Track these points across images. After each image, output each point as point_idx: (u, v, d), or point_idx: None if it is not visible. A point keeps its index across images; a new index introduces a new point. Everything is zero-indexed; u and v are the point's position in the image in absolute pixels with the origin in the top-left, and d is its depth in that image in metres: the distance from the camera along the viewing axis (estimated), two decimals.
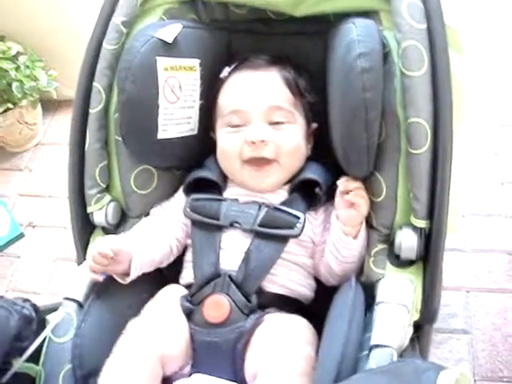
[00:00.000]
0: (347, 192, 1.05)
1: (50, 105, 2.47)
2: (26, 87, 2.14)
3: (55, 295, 1.81)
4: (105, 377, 0.95)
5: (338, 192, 1.07)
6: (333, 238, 1.10)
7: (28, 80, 2.15)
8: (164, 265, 1.19)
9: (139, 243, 1.11)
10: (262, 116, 1.14)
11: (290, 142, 1.15)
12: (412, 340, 1.01)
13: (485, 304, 1.66)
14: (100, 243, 1.05)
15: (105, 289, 1.08)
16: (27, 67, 2.17)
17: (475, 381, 1.49)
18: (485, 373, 1.51)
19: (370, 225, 1.10)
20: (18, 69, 2.15)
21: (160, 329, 1.02)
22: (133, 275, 1.08)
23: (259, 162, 1.14)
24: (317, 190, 1.15)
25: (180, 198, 1.22)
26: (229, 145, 1.16)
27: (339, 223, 1.07)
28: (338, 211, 1.07)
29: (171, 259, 1.20)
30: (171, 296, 1.11)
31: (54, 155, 2.34)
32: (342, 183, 1.06)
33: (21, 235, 2.06)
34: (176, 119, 1.16)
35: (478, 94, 2.15)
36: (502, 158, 2.05)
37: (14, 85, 2.12)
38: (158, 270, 1.19)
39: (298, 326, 1.04)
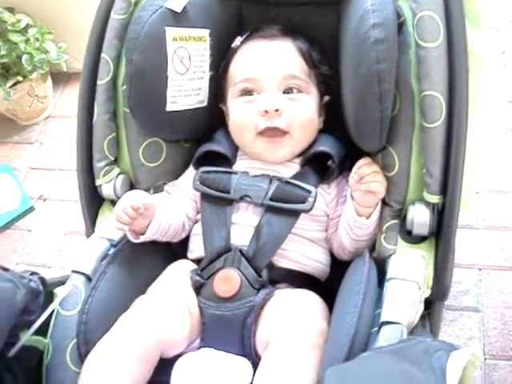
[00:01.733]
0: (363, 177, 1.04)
1: (60, 77, 2.44)
2: (35, 60, 2.12)
3: (66, 268, 1.81)
4: (93, 356, 0.93)
5: (353, 177, 1.05)
6: (346, 216, 1.08)
7: (38, 52, 2.12)
8: (175, 240, 1.18)
9: (160, 207, 1.09)
10: (276, 84, 1.12)
11: (304, 113, 1.13)
12: (423, 317, 1.00)
13: (497, 282, 1.65)
14: (131, 196, 1.04)
15: (114, 263, 1.07)
16: (37, 40, 2.14)
17: (485, 359, 1.49)
18: (495, 351, 1.50)
19: (382, 200, 1.08)
20: (27, 41, 2.12)
21: (165, 311, 1.00)
22: (148, 235, 1.07)
23: (273, 134, 1.12)
24: (329, 162, 1.13)
25: (190, 173, 1.20)
26: (242, 116, 1.14)
27: (354, 203, 1.06)
28: (353, 193, 1.06)
29: (183, 235, 1.19)
30: (180, 271, 1.10)
31: (65, 128, 2.33)
32: (358, 171, 1.04)
33: (31, 208, 2.06)
34: (185, 90, 1.14)
35: (496, 69, 2.12)
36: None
37: (24, 57, 2.09)
38: (168, 246, 1.18)
39: (310, 300, 1.03)
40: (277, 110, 1.09)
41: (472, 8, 0.99)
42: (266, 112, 1.10)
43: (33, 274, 0.98)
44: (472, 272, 1.68)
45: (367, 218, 1.05)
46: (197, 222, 1.18)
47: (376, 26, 0.96)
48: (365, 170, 1.04)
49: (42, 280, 0.98)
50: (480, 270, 1.68)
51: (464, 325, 1.56)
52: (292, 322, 0.96)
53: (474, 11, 0.99)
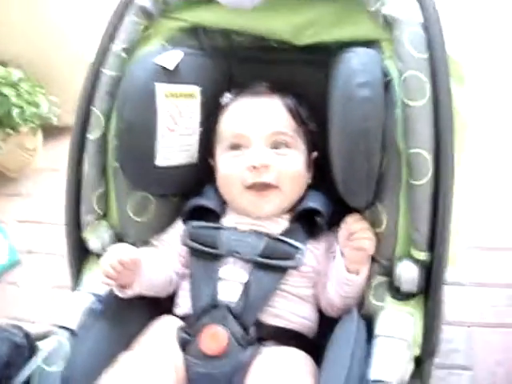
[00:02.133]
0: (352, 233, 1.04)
1: (50, 131, 2.44)
2: (26, 113, 2.14)
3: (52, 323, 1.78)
4: None
5: (342, 233, 1.06)
6: (336, 272, 1.08)
7: (29, 106, 2.15)
8: (162, 295, 1.17)
9: (147, 261, 1.08)
10: (263, 140, 1.13)
11: (292, 167, 1.14)
12: (413, 376, 0.98)
13: (487, 340, 1.63)
14: (118, 250, 1.03)
15: (99, 318, 1.06)
16: (28, 93, 2.17)
17: None
18: None
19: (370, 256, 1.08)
20: (19, 95, 2.15)
21: (150, 368, 0.98)
22: (135, 290, 1.06)
23: (260, 188, 1.12)
24: (318, 219, 1.13)
25: (178, 227, 1.20)
26: (230, 170, 1.15)
27: (344, 260, 1.06)
28: (343, 249, 1.06)
29: (170, 290, 1.17)
30: (166, 327, 1.09)
31: (54, 181, 2.33)
32: (347, 226, 1.05)
33: (18, 262, 2.03)
34: (175, 147, 1.16)
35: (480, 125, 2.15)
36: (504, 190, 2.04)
37: (15, 111, 2.12)
38: (154, 301, 1.16)
39: (298, 359, 1.02)
40: (265, 166, 1.11)
41: (455, 67, 1.00)
42: (254, 167, 1.10)
43: (17, 327, 0.96)
44: (462, 330, 1.66)
45: (357, 275, 1.05)
46: (184, 277, 1.17)
47: (363, 85, 0.97)
48: (354, 226, 1.04)
49: (26, 334, 0.96)
50: (470, 327, 1.66)
51: (454, 383, 1.53)
52: (280, 381, 0.95)
53: (457, 70, 1.01)
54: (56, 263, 1.99)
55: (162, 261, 1.15)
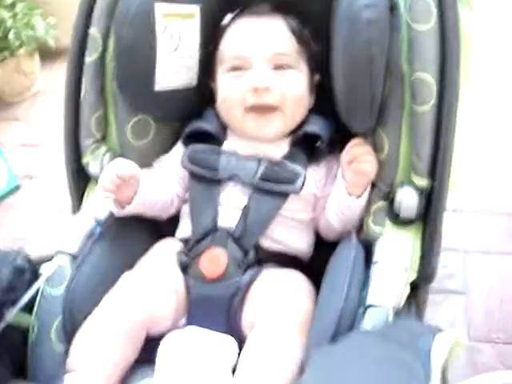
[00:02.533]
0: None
1: (48, 53, 2.41)
2: (22, 36, 2.09)
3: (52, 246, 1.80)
4: (80, 337, 0.94)
5: (344, 156, 1.05)
6: (337, 195, 1.08)
7: (25, 28, 2.10)
8: (163, 216, 1.17)
9: (147, 179, 1.08)
10: (265, 62, 1.10)
11: (295, 89, 1.12)
12: (408, 300, 0.99)
13: (482, 266, 1.66)
14: (117, 164, 1.03)
15: (100, 242, 1.06)
16: (25, 15, 2.12)
17: (470, 342, 1.49)
18: (479, 335, 1.51)
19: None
20: (15, 17, 2.10)
21: (150, 288, 1.00)
22: (133, 205, 1.06)
23: (262, 109, 1.10)
24: (318, 143, 1.12)
25: (178, 150, 1.19)
26: (230, 92, 1.12)
27: (345, 183, 1.05)
28: (345, 173, 1.05)
29: (171, 212, 1.18)
30: (167, 250, 1.10)
31: (53, 105, 2.30)
32: (349, 151, 1.04)
33: (18, 187, 2.04)
34: (175, 69, 1.13)
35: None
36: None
37: (11, 33, 2.07)
38: (155, 223, 1.17)
39: (296, 280, 1.03)
40: (266, 88, 1.08)
41: None
42: (256, 89, 1.08)
43: (18, 251, 0.97)
44: (458, 255, 1.69)
45: (357, 199, 1.05)
46: (186, 200, 1.17)
47: (368, 7, 0.94)
48: (357, 150, 1.03)
49: (28, 257, 0.97)
50: (466, 253, 1.69)
51: (449, 308, 1.57)
52: (278, 302, 0.96)
53: None
54: (56, 187, 1.99)
55: (162, 182, 1.15)
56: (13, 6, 2.13)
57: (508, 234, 1.74)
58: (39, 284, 0.98)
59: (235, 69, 1.12)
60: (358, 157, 1.03)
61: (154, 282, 1.01)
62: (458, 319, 1.55)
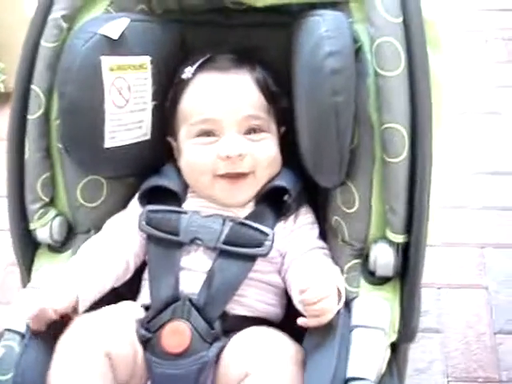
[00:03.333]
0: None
1: None
2: None
3: (7, 304, 1.70)
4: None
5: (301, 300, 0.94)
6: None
7: None
8: (119, 283, 1.08)
9: (85, 276, 0.99)
10: (236, 126, 1.05)
11: (268, 153, 1.07)
12: (389, 362, 0.93)
13: (457, 301, 1.64)
14: (43, 303, 0.92)
15: None
16: None
17: (449, 382, 1.46)
18: (458, 373, 1.48)
19: (341, 238, 1.03)
20: None
21: (107, 329, 0.93)
22: (82, 310, 0.97)
23: (234, 176, 1.05)
24: (286, 197, 1.07)
25: (135, 207, 1.12)
26: (199, 159, 1.06)
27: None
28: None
29: (127, 277, 1.09)
30: (126, 311, 1.01)
31: (3, 151, 2.20)
32: (305, 297, 0.92)
33: None
34: (125, 124, 1.06)
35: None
36: (472, 147, 2.04)
37: None
38: (113, 290, 1.08)
39: (269, 332, 0.96)
40: (240, 155, 1.03)
41: (432, 32, 0.94)
42: (228, 157, 1.03)
43: None
44: (431, 291, 1.66)
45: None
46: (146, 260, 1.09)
47: (331, 55, 0.90)
48: (312, 295, 0.91)
49: None
50: (439, 288, 1.67)
51: (425, 347, 1.54)
52: (265, 354, 0.90)
53: (434, 35, 0.94)
54: (9, 239, 1.90)
55: (113, 250, 1.06)
56: None
57: (480, 267, 1.72)
58: None
59: (204, 133, 1.07)
60: (312, 305, 0.92)
61: (110, 327, 0.94)
62: (436, 358, 1.51)
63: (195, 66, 1.10)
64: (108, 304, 1.03)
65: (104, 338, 0.91)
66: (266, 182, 1.08)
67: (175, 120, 1.12)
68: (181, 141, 1.11)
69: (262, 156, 1.05)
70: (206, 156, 1.05)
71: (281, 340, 0.94)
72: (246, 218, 1.05)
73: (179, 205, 1.09)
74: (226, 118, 1.04)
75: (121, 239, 1.08)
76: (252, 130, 1.06)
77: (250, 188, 1.07)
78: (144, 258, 1.10)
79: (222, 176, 1.05)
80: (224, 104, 1.05)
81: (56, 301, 0.92)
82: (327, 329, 0.92)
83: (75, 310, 0.96)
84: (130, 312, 1.01)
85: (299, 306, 0.95)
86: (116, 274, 1.05)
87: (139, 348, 0.96)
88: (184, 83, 1.10)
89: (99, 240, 1.08)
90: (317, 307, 0.90)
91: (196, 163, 1.07)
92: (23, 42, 1.04)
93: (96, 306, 1.00)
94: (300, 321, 0.92)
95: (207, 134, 1.06)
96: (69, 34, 1.03)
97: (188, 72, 1.10)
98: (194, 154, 1.07)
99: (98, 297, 1.00)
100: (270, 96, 1.09)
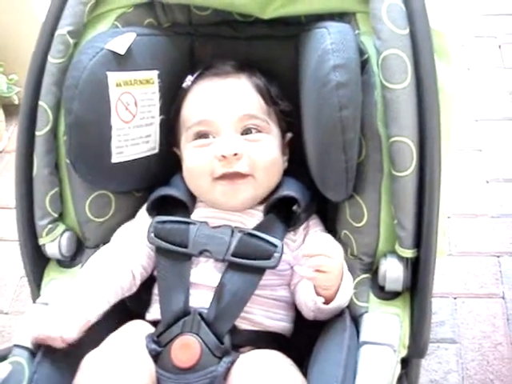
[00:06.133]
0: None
1: (12, 110, 2.33)
2: None
3: (22, 314, 1.72)
4: None
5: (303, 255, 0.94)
6: (305, 292, 0.99)
7: None
8: (126, 295, 1.07)
9: (91, 294, 0.98)
10: (232, 126, 1.04)
11: (266, 154, 1.05)
12: (400, 377, 0.92)
13: (473, 311, 1.61)
14: (51, 331, 0.91)
15: None
16: None
17: None
18: None
19: (350, 252, 1.02)
20: None
21: (123, 366, 0.91)
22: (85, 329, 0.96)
23: (232, 176, 1.03)
24: (295, 207, 1.05)
25: (142, 217, 1.11)
26: (197, 162, 1.05)
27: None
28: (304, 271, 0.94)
29: (134, 289, 1.08)
30: (135, 333, 1.00)
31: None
32: (306, 250, 0.92)
33: None
34: (132, 139, 1.06)
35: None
36: (486, 154, 2.00)
37: None
38: (123, 305, 1.08)
39: (277, 364, 0.94)
40: (235, 155, 1.01)
41: (440, 42, 0.92)
42: (224, 157, 1.01)
43: None
44: (447, 301, 1.64)
45: (327, 304, 0.95)
46: (154, 276, 1.09)
47: (337, 69, 0.89)
48: (313, 249, 0.92)
49: None
50: (455, 298, 1.65)
51: (441, 358, 1.52)
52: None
53: (442, 45, 0.93)
54: None
55: (119, 262, 1.05)
56: None
57: (496, 276, 1.69)
58: None
59: (200, 136, 1.06)
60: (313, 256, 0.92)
61: (124, 365, 0.91)
62: (452, 369, 1.49)
63: (195, 75, 1.10)
64: (118, 321, 1.03)
65: (122, 376, 0.89)
66: (268, 187, 1.07)
67: (177, 129, 1.12)
68: (182, 148, 1.10)
69: (260, 157, 1.04)
70: (203, 158, 1.04)
71: (287, 369, 0.93)
72: (255, 228, 1.04)
73: (188, 215, 1.08)
74: (221, 119, 1.04)
75: (127, 250, 1.07)
76: (249, 130, 1.05)
77: (250, 189, 1.05)
78: (152, 271, 1.09)
79: (221, 178, 1.03)
80: (219, 105, 1.05)
81: (64, 329, 0.91)
82: (334, 340, 0.92)
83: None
84: (140, 332, 1.00)
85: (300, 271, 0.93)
86: (120, 286, 1.03)
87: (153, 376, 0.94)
88: (184, 92, 1.10)
89: (105, 252, 1.07)
90: (316, 261, 0.89)
91: (194, 166, 1.06)
92: (30, 57, 1.05)
93: (105, 322, 1.00)
94: (297, 268, 0.93)
95: (204, 136, 1.06)
96: (76, 49, 1.04)
97: (188, 80, 1.11)
98: (192, 158, 1.07)
99: (103, 312, 0.99)
100: (269, 98, 1.08)
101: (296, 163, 1.12)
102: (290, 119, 1.12)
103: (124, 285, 1.04)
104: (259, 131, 1.06)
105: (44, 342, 0.92)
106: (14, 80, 2.14)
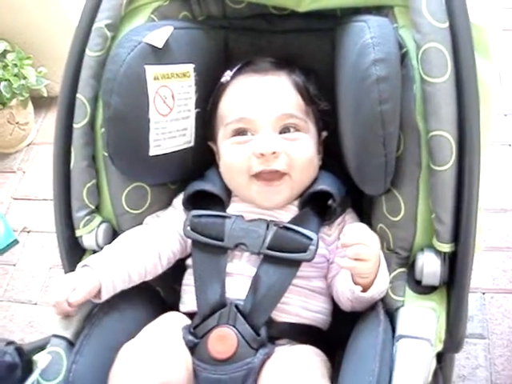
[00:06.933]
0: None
1: (41, 103, 2.37)
2: (14, 86, 2.06)
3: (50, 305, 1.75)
4: None
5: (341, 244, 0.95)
6: (343, 280, 0.99)
7: (16, 79, 2.07)
8: (148, 278, 1.07)
9: (111, 262, 1.00)
10: (271, 124, 1.04)
11: (304, 153, 1.05)
12: (435, 372, 0.92)
13: (501, 306, 1.61)
14: (57, 296, 0.94)
15: (97, 324, 0.98)
16: (15, 65, 2.08)
17: None
18: (503, 380, 1.45)
19: (387, 247, 1.01)
20: (5, 67, 2.07)
21: (160, 357, 0.91)
22: (104, 298, 0.98)
23: (269, 176, 1.04)
24: (330, 201, 1.05)
25: (178, 207, 1.12)
26: (234, 158, 1.06)
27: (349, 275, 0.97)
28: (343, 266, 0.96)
29: (159, 271, 1.08)
30: (171, 324, 1.01)
31: (49, 155, 2.22)
32: (344, 239, 0.93)
33: (15, 242, 1.99)
34: (169, 132, 1.06)
35: None
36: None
37: (2, 84, 2.04)
38: (156, 295, 1.10)
39: (311, 359, 0.95)
40: (273, 153, 1.02)
41: (479, 36, 0.91)
42: (262, 155, 1.02)
43: (8, 343, 0.89)
44: (475, 296, 1.63)
45: (364, 292, 0.95)
46: (186, 267, 1.10)
47: (377, 63, 0.88)
48: (350, 239, 0.93)
49: (19, 350, 0.90)
50: (484, 293, 1.64)
51: (469, 353, 1.51)
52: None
53: (481, 39, 0.91)
54: (54, 241, 1.93)
55: (147, 242, 1.06)
56: (3, 56, 2.09)
57: None
58: (33, 379, 0.90)
59: (239, 133, 1.06)
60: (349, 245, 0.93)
61: (162, 353, 0.92)
62: (480, 365, 1.49)
63: (234, 70, 1.10)
64: (153, 311, 1.05)
65: (159, 367, 0.89)
66: (303, 186, 1.08)
67: (214, 123, 1.12)
68: (219, 143, 1.11)
69: (297, 155, 1.04)
70: (241, 155, 1.04)
71: (313, 371, 0.93)
72: (290, 222, 1.04)
73: (223, 209, 1.09)
74: (260, 117, 1.04)
75: (156, 233, 1.08)
76: (287, 129, 1.05)
77: (286, 190, 1.05)
78: (179, 258, 1.11)
79: (258, 176, 1.04)
80: (259, 103, 1.04)
81: (70, 293, 0.94)
82: (368, 334, 0.92)
83: (98, 296, 0.97)
84: (176, 324, 1.01)
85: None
86: (144, 265, 1.04)
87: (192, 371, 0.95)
88: (223, 86, 1.10)
89: (135, 231, 1.09)
90: (354, 249, 0.90)
91: (232, 163, 1.06)
92: (68, 50, 1.05)
93: (140, 313, 1.03)
94: (337, 259, 0.95)
95: (242, 133, 1.06)
96: (113, 42, 1.04)
97: (227, 75, 1.11)
98: (230, 154, 1.07)
99: (120, 287, 1.01)
100: (308, 98, 1.08)
101: (331, 158, 1.12)
102: (327, 119, 1.12)
103: (147, 264, 1.05)
104: (297, 130, 1.06)
105: (57, 310, 0.95)
106: (42, 73, 2.15)
